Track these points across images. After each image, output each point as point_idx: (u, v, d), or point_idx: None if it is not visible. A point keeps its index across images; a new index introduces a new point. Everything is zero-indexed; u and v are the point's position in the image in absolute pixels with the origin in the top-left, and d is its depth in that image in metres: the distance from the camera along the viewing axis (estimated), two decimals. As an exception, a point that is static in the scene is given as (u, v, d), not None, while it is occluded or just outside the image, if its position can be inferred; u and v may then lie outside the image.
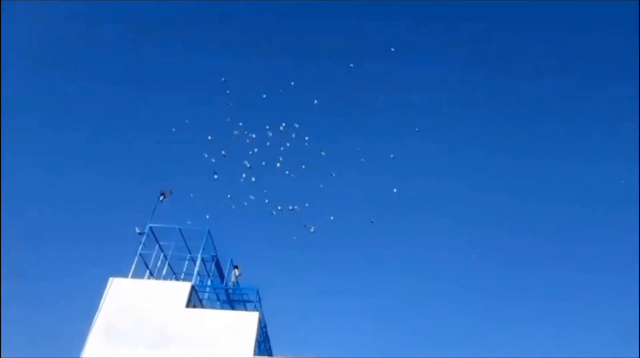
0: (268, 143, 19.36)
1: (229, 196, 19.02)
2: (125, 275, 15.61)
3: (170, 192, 16.54)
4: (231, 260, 17.36)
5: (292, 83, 20.57)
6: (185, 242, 16.47)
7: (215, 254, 16.93)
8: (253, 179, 18.68)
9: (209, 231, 16.55)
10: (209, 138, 19.94)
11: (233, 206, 18.75)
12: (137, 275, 15.91)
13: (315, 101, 20.47)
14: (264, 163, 19.22)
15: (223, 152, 18.55)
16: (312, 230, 19.02)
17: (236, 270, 18.07)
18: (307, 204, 19.46)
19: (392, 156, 24.71)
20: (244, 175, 18.84)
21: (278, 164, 19.19)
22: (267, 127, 19.35)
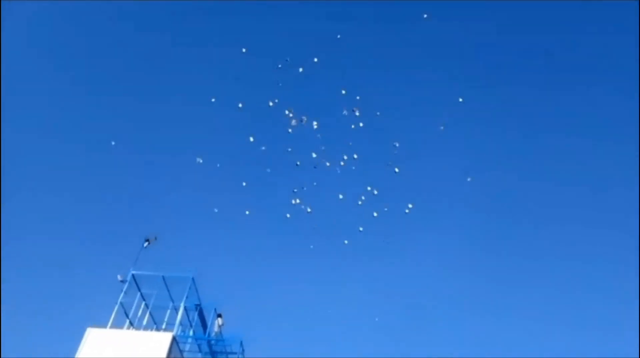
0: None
1: (295, 190, 16.81)
2: (104, 325, 14.96)
3: (155, 238, 16.16)
4: (215, 309, 16.82)
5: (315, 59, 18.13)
6: (168, 290, 15.95)
7: (198, 303, 16.40)
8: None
9: (193, 278, 16.09)
10: (240, 105, 17.75)
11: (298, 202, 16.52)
12: (117, 324, 15.26)
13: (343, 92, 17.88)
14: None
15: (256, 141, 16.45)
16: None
17: (220, 319, 17.48)
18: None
19: (442, 128, 22.92)
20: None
21: (353, 157, 16.70)
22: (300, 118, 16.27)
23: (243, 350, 15.99)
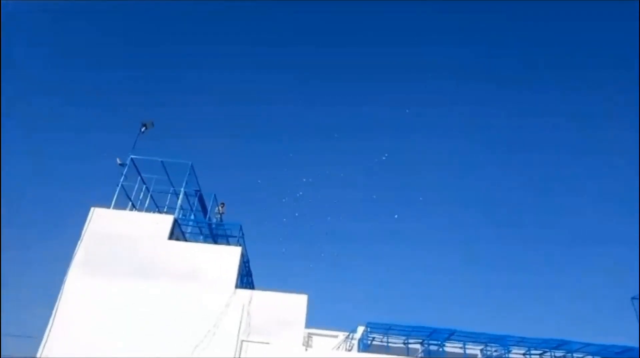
0: None
1: None
2: (107, 206, 15.50)
3: (152, 124, 16.28)
4: (214, 196, 17.31)
5: None
6: (168, 175, 16.33)
7: (198, 189, 16.83)
8: None
9: (192, 165, 16.39)
10: None
11: None
12: (119, 207, 15.81)
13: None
14: None
15: None
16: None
17: (221, 207, 18.03)
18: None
19: None
20: None
21: None
22: None
23: (243, 234, 16.61)
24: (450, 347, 17.41)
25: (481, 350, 18.29)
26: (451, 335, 16.78)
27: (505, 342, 17.21)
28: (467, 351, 17.41)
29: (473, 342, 17.47)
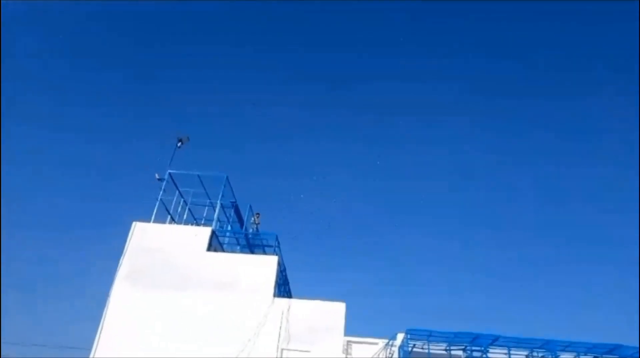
0: None
1: None
2: (147, 220, 16.00)
3: (188, 138, 16.75)
4: (250, 206, 17.60)
5: None
6: (205, 188, 16.73)
7: (234, 200, 17.15)
8: None
9: (227, 177, 16.74)
10: None
11: None
12: (159, 220, 16.29)
13: None
14: None
15: None
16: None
17: (256, 217, 18.30)
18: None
19: None
20: None
21: None
22: None
23: (279, 243, 16.77)
24: (494, 353, 16.92)
25: (527, 356, 17.70)
26: (495, 340, 16.32)
27: (552, 346, 16.60)
28: (512, 357, 16.88)
29: (518, 347, 16.93)
